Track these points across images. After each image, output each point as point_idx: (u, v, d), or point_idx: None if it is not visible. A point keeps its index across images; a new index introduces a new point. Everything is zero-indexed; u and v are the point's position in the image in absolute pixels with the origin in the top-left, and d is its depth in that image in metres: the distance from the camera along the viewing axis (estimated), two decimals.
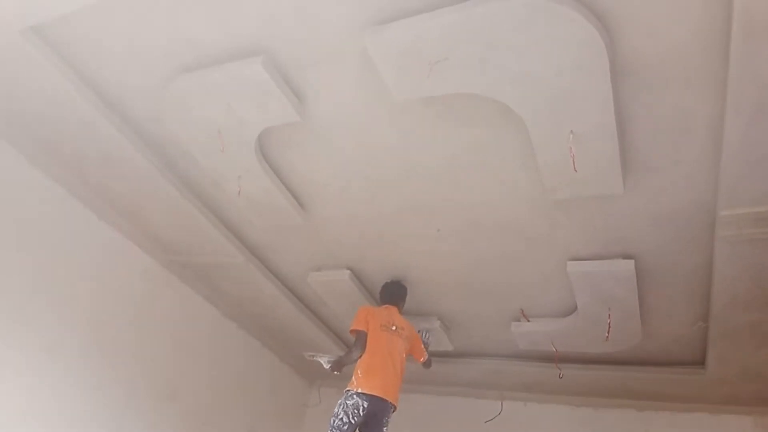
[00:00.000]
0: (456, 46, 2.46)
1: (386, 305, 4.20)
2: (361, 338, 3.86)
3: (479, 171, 3.25)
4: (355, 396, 3.64)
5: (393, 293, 4.28)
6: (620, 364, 4.67)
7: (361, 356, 3.83)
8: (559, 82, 2.50)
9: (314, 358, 4.19)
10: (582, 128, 2.68)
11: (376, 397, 3.64)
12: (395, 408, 3.79)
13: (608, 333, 3.95)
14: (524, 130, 2.84)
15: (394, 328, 3.97)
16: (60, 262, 3.98)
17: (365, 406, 3.61)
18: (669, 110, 2.65)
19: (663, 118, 2.69)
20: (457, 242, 3.86)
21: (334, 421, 3.59)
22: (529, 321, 4.43)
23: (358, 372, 3.76)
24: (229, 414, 5.29)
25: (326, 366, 4.09)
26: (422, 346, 4.28)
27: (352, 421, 3.57)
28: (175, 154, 3.68)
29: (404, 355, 3.99)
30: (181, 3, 2.70)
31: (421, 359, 4.28)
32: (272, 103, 2.97)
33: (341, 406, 3.64)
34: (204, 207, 4.07)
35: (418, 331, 4.37)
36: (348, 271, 4.37)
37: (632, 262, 3.52)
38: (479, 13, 2.31)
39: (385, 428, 3.72)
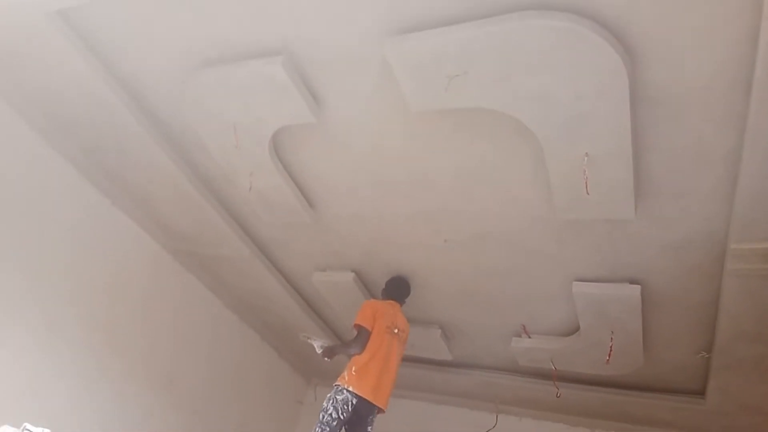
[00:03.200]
0: (476, 61, 2.45)
1: (391, 301, 4.16)
2: (363, 336, 3.82)
3: (490, 185, 3.24)
4: (345, 391, 3.63)
5: (400, 289, 4.24)
6: (619, 387, 4.63)
7: (358, 353, 3.81)
8: (578, 105, 2.48)
9: (308, 340, 4.15)
10: (597, 152, 2.66)
11: (365, 399, 3.64)
12: (382, 411, 3.77)
13: (609, 356, 3.92)
14: (538, 148, 2.83)
15: (396, 330, 3.96)
16: (69, 243, 4.01)
17: (354, 402, 3.61)
18: (687, 140, 2.63)
19: (680, 147, 2.66)
20: (464, 253, 3.85)
21: (323, 417, 3.59)
22: (530, 337, 4.41)
23: (352, 369, 3.73)
24: (223, 405, 5.31)
25: (318, 350, 4.07)
26: None
27: (341, 417, 3.57)
28: (191, 146, 3.70)
29: (400, 359, 3.98)
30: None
31: None
32: (289, 103, 2.98)
33: (330, 401, 3.64)
34: (215, 200, 4.09)
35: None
36: (352, 274, 4.37)
37: (639, 287, 3.49)
38: (503, 30, 2.30)
39: (369, 427, 3.72)
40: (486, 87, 2.54)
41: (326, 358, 4.09)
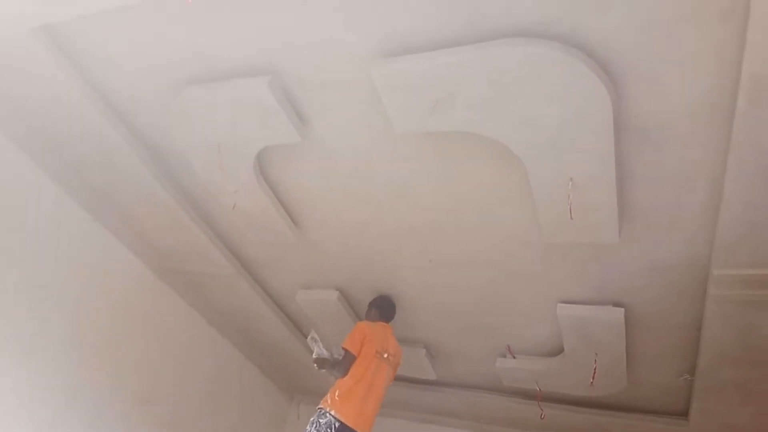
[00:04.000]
0: (462, 86, 2.45)
1: (382, 323, 4.10)
2: (347, 360, 3.77)
3: (475, 206, 3.24)
4: (328, 414, 3.59)
5: (390, 309, 4.19)
6: (603, 408, 4.63)
7: (342, 377, 3.77)
8: (562, 131, 2.49)
9: (313, 343, 4.02)
10: (582, 176, 2.67)
11: (347, 426, 3.58)
12: None
13: (593, 378, 3.92)
14: (523, 172, 2.83)
15: (386, 355, 3.90)
16: (47, 259, 3.94)
17: (336, 426, 3.55)
18: (671, 167, 2.65)
19: (664, 173, 2.68)
20: (449, 273, 3.83)
21: None
22: (515, 357, 4.40)
23: (335, 393, 3.69)
24: (205, 424, 5.22)
25: (314, 355, 3.98)
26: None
27: None
28: (175, 163, 3.67)
29: (388, 385, 3.94)
30: (196, 17, 2.70)
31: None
32: (275, 123, 2.96)
33: (314, 425, 3.60)
34: (198, 217, 4.05)
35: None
36: (336, 292, 4.34)
37: (622, 310, 3.50)
38: (488, 56, 2.31)
39: None
40: (472, 111, 2.55)
41: (315, 365, 3.99)
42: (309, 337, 3.96)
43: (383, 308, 4.16)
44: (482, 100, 2.48)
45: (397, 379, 4.38)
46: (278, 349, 5.43)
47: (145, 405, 4.64)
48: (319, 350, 3.94)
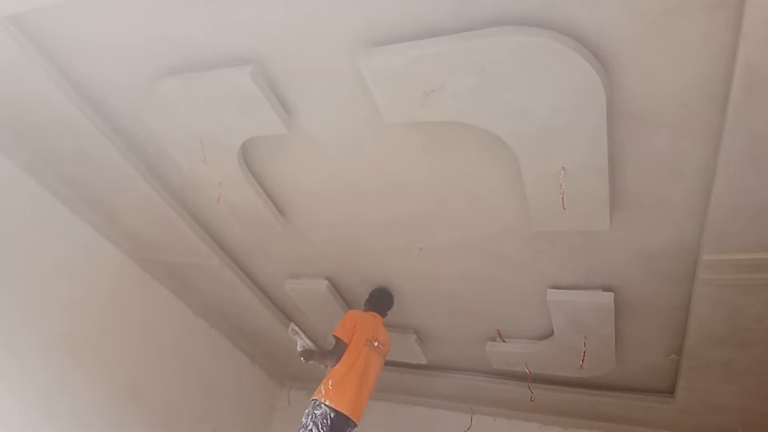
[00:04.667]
0: (452, 75, 2.39)
1: (373, 313, 4.11)
2: (339, 348, 3.78)
3: (465, 194, 3.20)
4: (323, 405, 3.58)
5: (383, 302, 4.19)
6: (591, 388, 4.69)
7: (334, 366, 3.76)
8: (554, 120, 2.45)
9: (294, 335, 4.05)
10: (573, 165, 2.64)
11: (343, 414, 3.58)
12: (356, 425, 3.71)
13: (582, 362, 3.95)
14: (514, 160, 2.79)
15: (376, 344, 3.90)
16: (25, 255, 3.82)
17: (332, 416, 3.55)
18: (662, 153, 2.62)
19: (656, 160, 2.66)
20: (438, 260, 3.81)
21: None
22: (504, 341, 4.41)
23: (329, 383, 3.68)
24: (194, 414, 5.19)
25: (299, 348, 3.99)
26: None
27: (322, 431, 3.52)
28: (155, 153, 3.56)
29: (379, 373, 3.94)
30: (171, 2, 2.58)
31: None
32: (259, 114, 2.87)
33: (309, 416, 3.59)
34: (181, 208, 3.95)
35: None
36: (326, 281, 4.29)
37: (612, 295, 3.51)
38: (478, 45, 2.24)
39: None
40: (462, 101, 2.48)
41: (302, 358, 4.05)
42: (290, 329, 3.92)
43: (376, 300, 4.16)
44: (472, 90, 2.41)
45: (387, 363, 4.39)
46: (267, 337, 5.40)
47: (135, 397, 4.59)
48: (302, 342, 3.91)
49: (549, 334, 4.18)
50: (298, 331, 3.88)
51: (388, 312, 4.20)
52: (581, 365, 3.96)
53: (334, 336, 3.84)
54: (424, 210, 3.40)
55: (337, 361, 3.74)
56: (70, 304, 4.10)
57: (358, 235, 3.79)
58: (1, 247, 3.68)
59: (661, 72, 2.29)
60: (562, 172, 2.65)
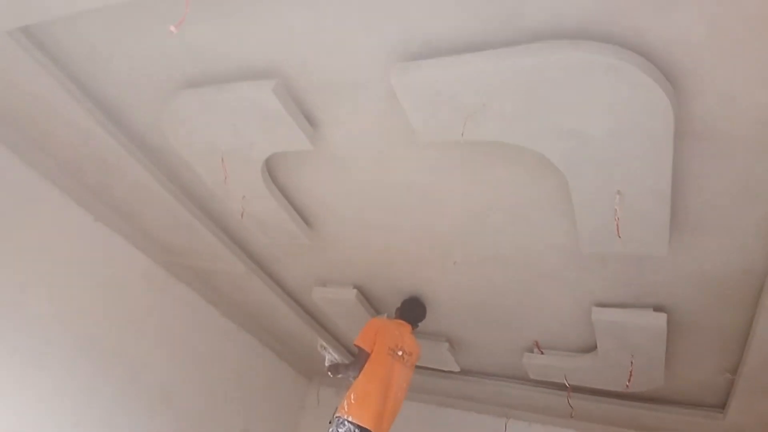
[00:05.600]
0: (496, 95, 2.12)
1: (400, 321, 3.90)
2: (361, 358, 3.59)
3: (506, 212, 2.95)
4: (346, 423, 3.41)
5: (415, 312, 3.96)
6: (635, 400, 4.44)
7: (355, 377, 3.59)
8: (612, 143, 2.17)
9: (323, 351, 3.94)
10: (631, 190, 2.36)
11: (366, 429, 3.40)
12: None
13: (629, 382, 3.70)
14: (563, 180, 2.52)
15: (400, 353, 3.69)
16: (50, 264, 3.72)
17: None
18: (733, 177, 2.33)
19: (727, 182, 2.36)
20: (474, 273, 3.58)
21: None
22: (542, 353, 4.19)
23: (351, 397, 3.50)
24: (224, 414, 5.14)
25: (326, 363, 3.89)
26: None
27: None
28: (176, 163, 3.38)
29: (405, 385, 3.75)
30: (193, 14, 2.35)
31: None
32: (283, 130, 2.65)
33: None
34: (204, 216, 3.79)
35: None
36: (355, 290, 4.10)
37: (665, 316, 3.23)
38: (528, 63, 1.97)
39: None
40: (507, 121, 2.22)
41: (329, 373, 3.92)
42: (318, 346, 3.79)
43: (406, 310, 3.94)
44: (518, 110, 2.15)
45: (417, 368, 4.23)
46: (295, 338, 5.28)
47: (165, 400, 4.53)
48: (330, 357, 3.78)
49: (591, 347, 3.93)
50: (326, 346, 3.75)
51: (419, 324, 3.99)
52: (627, 385, 3.72)
53: (355, 345, 3.69)
54: (460, 225, 3.16)
55: (360, 371, 3.57)
56: (96, 310, 4.02)
57: (389, 248, 3.58)
58: (26, 258, 3.59)
59: (740, 91, 1.99)
60: (618, 197, 2.38)
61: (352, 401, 3.47)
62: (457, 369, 4.73)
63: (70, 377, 3.85)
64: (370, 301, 4.25)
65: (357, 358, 3.63)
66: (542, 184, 2.67)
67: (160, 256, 4.40)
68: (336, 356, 3.80)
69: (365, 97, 2.49)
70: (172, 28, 1.96)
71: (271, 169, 3.18)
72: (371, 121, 2.61)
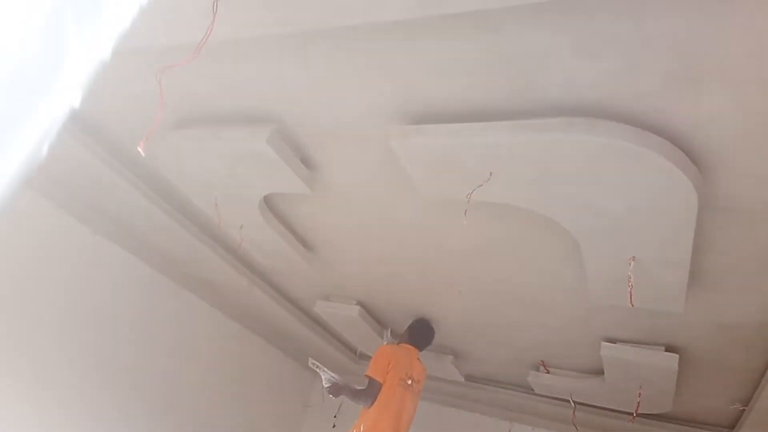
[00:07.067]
0: (505, 166, 1.96)
1: (408, 346, 3.78)
2: (374, 389, 3.48)
3: (515, 257, 2.81)
4: None
5: (424, 337, 3.85)
6: (642, 416, 4.37)
7: (367, 407, 3.53)
8: (629, 218, 2.02)
9: (317, 370, 3.72)
10: (647, 256, 2.21)
11: None
12: None
13: (635, 413, 3.62)
14: (574, 240, 2.37)
15: (410, 382, 3.61)
16: (50, 279, 3.66)
17: None
18: (757, 246, 2.17)
19: (751, 250, 2.21)
20: (481, 303, 3.47)
21: None
22: (548, 372, 4.11)
23: (361, 428, 3.46)
24: (230, 415, 5.17)
25: (325, 384, 3.66)
26: None
27: None
28: (173, 189, 3.25)
29: (413, 413, 3.70)
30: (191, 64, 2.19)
31: None
32: (279, 176, 2.51)
33: None
34: (206, 236, 3.69)
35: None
36: (358, 307, 4.01)
37: (676, 357, 3.12)
38: (542, 141, 1.80)
39: None
40: (516, 189, 2.07)
41: (330, 395, 3.74)
42: (309, 363, 3.62)
43: (415, 334, 3.82)
44: (529, 181, 1.99)
45: None
46: (301, 338, 5.25)
47: (170, 407, 4.55)
48: (326, 376, 3.61)
49: (598, 369, 3.84)
50: (319, 365, 3.59)
51: (428, 346, 3.91)
52: (633, 417, 3.64)
53: (367, 376, 3.57)
54: (465, 263, 3.03)
55: (373, 402, 3.49)
56: (97, 321, 3.98)
57: (393, 273, 3.47)
58: (25, 274, 3.53)
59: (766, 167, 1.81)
60: (632, 263, 2.23)
61: None
62: (461, 379, 4.69)
63: (72, 389, 3.84)
64: (373, 315, 4.17)
65: (369, 389, 3.50)
66: (552, 235, 2.52)
67: (162, 265, 4.33)
68: (332, 375, 3.64)
69: (366, 146, 2.33)
70: (140, 149, 1.82)
71: (270, 200, 3.04)
72: (373, 168, 2.46)
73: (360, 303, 4.05)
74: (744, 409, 3.64)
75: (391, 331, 4.20)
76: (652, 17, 1.44)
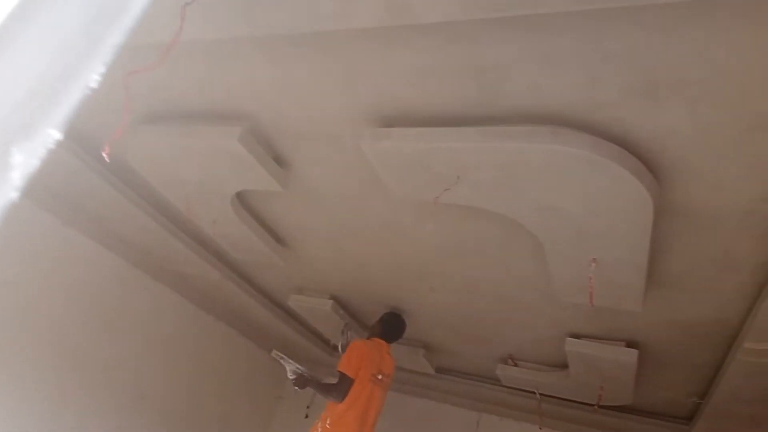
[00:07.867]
0: (472, 170, 2.01)
1: (379, 341, 3.79)
2: (345, 384, 3.47)
3: (483, 256, 2.88)
4: None
5: (395, 331, 3.88)
6: (605, 407, 4.52)
7: (338, 402, 3.55)
8: (590, 220, 2.09)
9: (281, 360, 3.59)
10: (607, 258, 2.30)
11: None
12: None
13: (597, 404, 3.75)
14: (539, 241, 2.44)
15: (380, 377, 3.64)
16: (17, 268, 3.63)
17: None
18: (714, 250, 2.27)
19: (706, 254, 2.31)
20: (452, 301, 3.55)
21: None
22: (516, 365, 4.22)
23: (327, 422, 3.46)
24: (202, 405, 5.18)
25: (290, 375, 3.55)
26: None
27: None
28: (142, 178, 3.23)
29: (381, 407, 3.74)
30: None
31: None
32: (251, 174, 2.53)
33: None
34: (177, 228, 3.68)
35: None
36: (331, 301, 4.05)
37: (636, 352, 3.24)
38: (507, 148, 1.86)
39: None
40: (482, 192, 2.13)
41: (296, 387, 3.60)
42: (273, 353, 3.55)
43: (386, 328, 3.84)
44: (494, 184, 2.05)
45: None
46: (275, 329, 5.27)
47: (140, 399, 4.55)
48: (291, 367, 3.53)
49: (563, 363, 3.96)
50: (284, 357, 3.53)
51: (399, 339, 3.97)
52: (596, 406, 3.77)
53: (338, 371, 3.55)
54: (435, 261, 3.10)
55: (344, 398, 3.50)
56: (63, 312, 3.94)
57: (365, 269, 3.52)
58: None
59: (727, 182, 1.89)
60: (593, 264, 2.31)
61: (328, 426, 3.42)
62: (431, 372, 4.78)
63: (44, 383, 3.82)
64: (346, 309, 4.22)
65: (341, 384, 3.49)
66: (520, 236, 2.58)
67: (132, 256, 4.30)
68: (297, 366, 3.58)
69: (339, 146, 2.36)
70: (104, 155, 1.83)
71: (243, 196, 3.06)
72: (346, 167, 2.49)
73: (333, 297, 4.09)
74: (701, 402, 3.79)
75: (346, 325, 4.19)
76: (612, 35, 1.49)
